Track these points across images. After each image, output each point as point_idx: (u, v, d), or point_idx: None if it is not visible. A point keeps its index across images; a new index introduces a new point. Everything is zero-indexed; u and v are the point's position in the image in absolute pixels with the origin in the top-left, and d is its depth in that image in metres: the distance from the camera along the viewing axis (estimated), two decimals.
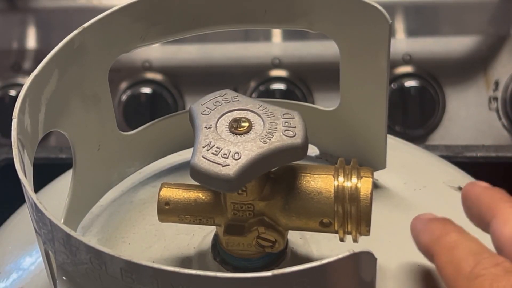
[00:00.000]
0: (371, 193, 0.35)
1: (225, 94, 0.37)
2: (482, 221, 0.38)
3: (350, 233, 0.36)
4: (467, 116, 0.82)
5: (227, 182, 0.33)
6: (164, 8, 0.41)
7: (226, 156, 0.33)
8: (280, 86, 0.82)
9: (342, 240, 0.36)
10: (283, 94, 0.81)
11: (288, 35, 0.84)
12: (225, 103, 0.36)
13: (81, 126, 0.40)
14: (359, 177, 0.36)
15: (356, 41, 0.41)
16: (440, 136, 0.82)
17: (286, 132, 0.34)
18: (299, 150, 0.34)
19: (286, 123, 0.35)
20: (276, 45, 0.84)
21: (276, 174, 0.36)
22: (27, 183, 0.31)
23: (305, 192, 0.36)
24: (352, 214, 0.35)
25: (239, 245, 0.37)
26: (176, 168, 0.47)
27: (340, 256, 0.27)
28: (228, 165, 0.33)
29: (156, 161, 0.46)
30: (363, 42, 0.41)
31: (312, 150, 0.47)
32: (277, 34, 0.85)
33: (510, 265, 0.33)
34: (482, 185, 0.39)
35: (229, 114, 0.36)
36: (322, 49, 0.82)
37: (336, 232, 0.36)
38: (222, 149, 0.34)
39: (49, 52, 0.37)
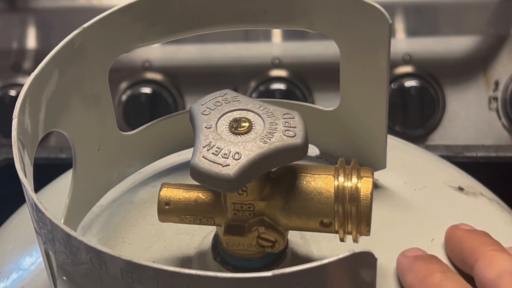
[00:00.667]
0: (372, 193, 0.35)
1: (225, 94, 0.37)
2: (465, 264, 0.38)
3: (350, 233, 0.36)
4: (467, 116, 0.82)
5: (227, 182, 0.33)
6: (164, 8, 0.41)
7: (226, 156, 0.33)
8: (280, 86, 0.82)
9: (342, 240, 0.36)
10: (283, 94, 0.81)
11: (288, 35, 0.84)
12: (225, 103, 0.36)
13: (81, 126, 0.40)
14: (359, 177, 0.36)
15: (356, 41, 0.41)
16: (440, 136, 0.82)
17: (286, 132, 0.34)
18: (299, 150, 0.34)
19: (286, 123, 0.35)
20: (276, 45, 0.84)
21: (276, 174, 0.36)
22: (27, 183, 0.31)
23: (305, 192, 0.36)
24: (352, 214, 0.35)
25: (239, 245, 0.37)
26: (176, 168, 0.47)
27: (340, 256, 0.27)
28: (229, 165, 0.33)
29: (156, 161, 0.46)
30: (363, 42, 0.41)
31: (312, 150, 0.47)
32: (277, 34, 0.85)
33: None
34: (465, 228, 0.40)
35: (229, 114, 0.36)
36: (322, 49, 0.82)
37: (336, 232, 0.36)
38: (222, 149, 0.34)
39: (49, 52, 0.37)
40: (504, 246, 0.39)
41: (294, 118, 0.35)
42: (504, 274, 0.35)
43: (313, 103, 0.80)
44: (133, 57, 0.83)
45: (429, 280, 0.36)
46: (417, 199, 0.45)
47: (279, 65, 0.83)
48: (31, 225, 0.33)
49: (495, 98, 0.81)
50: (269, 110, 0.35)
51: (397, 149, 0.49)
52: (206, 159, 0.33)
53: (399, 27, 0.83)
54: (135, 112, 0.82)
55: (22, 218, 0.48)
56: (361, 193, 0.35)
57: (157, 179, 0.46)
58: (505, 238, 0.40)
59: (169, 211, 0.37)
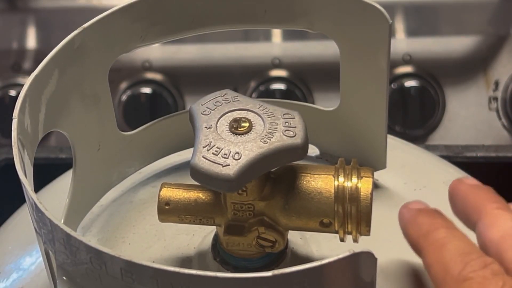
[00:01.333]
0: (372, 193, 0.35)
1: (225, 94, 0.37)
2: (468, 220, 0.37)
3: (350, 233, 0.36)
4: (467, 116, 0.82)
5: (227, 182, 0.33)
6: (164, 8, 0.41)
7: (226, 156, 0.33)
8: (280, 86, 0.82)
9: (342, 240, 0.36)
10: (283, 94, 0.81)
11: (288, 35, 0.84)
12: (225, 103, 0.36)
13: (81, 126, 0.40)
14: (359, 177, 0.36)
15: (356, 41, 0.41)
16: (440, 136, 0.82)
17: (287, 132, 0.34)
18: (299, 150, 0.34)
19: (287, 123, 0.35)
20: (276, 45, 0.84)
21: (276, 174, 0.36)
22: (27, 183, 0.31)
23: (305, 192, 0.36)
24: (352, 214, 0.35)
25: (239, 245, 0.37)
26: (176, 168, 0.47)
27: (340, 256, 0.27)
28: (229, 165, 0.33)
29: (156, 161, 0.46)
30: (363, 42, 0.41)
31: (312, 150, 0.47)
32: (277, 34, 0.85)
33: (498, 267, 0.33)
34: (469, 183, 0.39)
35: (229, 114, 0.36)
36: (322, 49, 0.82)
37: (336, 232, 0.36)
38: (222, 149, 0.34)
39: (49, 52, 0.37)
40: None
41: (294, 118, 0.35)
42: (508, 236, 0.34)
43: (313, 103, 0.80)
44: (133, 57, 0.83)
45: (433, 235, 0.35)
46: (417, 199, 0.45)
47: (279, 65, 0.83)
48: (31, 225, 0.33)
49: (495, 98, 0.81)
50: (269, 110, 0.35)
51: (397, 149, 0.49)
52: (206, 159, 0.33)
53: (399, 27, 0.83)
54: (135, 112, 0.82)
55: (22, 218, 0.48)
56: (361, 193, 0.35)
57: (157, 179, 0.46)
58: None
59: (169, 211, 0.37)
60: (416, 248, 0.36)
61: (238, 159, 0.33)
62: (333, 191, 0.36)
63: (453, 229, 0.36)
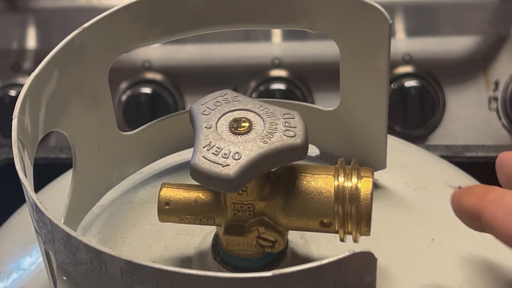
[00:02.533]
0: (372, 193, 0.35)
1: (225, 94, 0.37)
2: None
3: (350, 233, 0.36)
4: (467, 116, 0.82)
5: (227, 182, 0.33)
6: (164, 8, 0.41)
7: (226, 156, 0.33)
8: (280, 86, 0.82)
9: (342, 240, 0.36)
10: (283, 94, 0.81)
11: (288, 35, 0.84)
12: (225, 103, 0.36)
13: (81, 126, 0.40)
14: (359, 177, 0.36)
15: (356, 41, 0.41)
16: (440, 136, 0.82)
17: (287, 132, 0.34)
18: (299, 150, 0.34)
19: (287, 123, 0.35)
20: (276, 45, 0.84)
21: (276, 174, 0.36)
22: (27, 183, 0.31)
23: (305, 192, 0.36)
24: (352, 214, 0.35)
25: (239, 245, 0.37)
26: (176, 168, 0.47)
27: (340, 256, 0.27)
28: (228, 165, 0.33)
29: (156, 161, 0.46)
30: (363, 42, 0.41)
31: (312, 150, 0.47)
32: (277, 34, 0.85)
33: None
34: None
35: (229, 114, 0.36)
36: (322, 49, 0.82)
37: (336, 232, 0.36)
38: (222, 149, 0.34)
39: (49, 52, 0.37)
40: None
41: (294, 118, 0.35)
42: None
43: (313, 103, 0.80)
44: (133, 57, 0.83)
45: (490, 194, 0.35)
46: (417, 199, 0.45)
47: (279, 65, 0.83)
48: (31, 225, 0.33)
49: (495, 98, 0.81)
50: (269, 110, 0.35)
51: (397, 149, 0.49)
52: (206, 159, 0.33)
53: (399, 27, 0.83)
54: (135, 112, 0.82)
55: (22, 218, 0.48)
56: (361, 193, 0.35)
57: (157, 179, 0.46)
58: None
59: (169, 211, 0.37)
60: (475, 212, 0.35)
61: (238, 159, 0.33)
62: (333, 191, 0.36)
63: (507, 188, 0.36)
